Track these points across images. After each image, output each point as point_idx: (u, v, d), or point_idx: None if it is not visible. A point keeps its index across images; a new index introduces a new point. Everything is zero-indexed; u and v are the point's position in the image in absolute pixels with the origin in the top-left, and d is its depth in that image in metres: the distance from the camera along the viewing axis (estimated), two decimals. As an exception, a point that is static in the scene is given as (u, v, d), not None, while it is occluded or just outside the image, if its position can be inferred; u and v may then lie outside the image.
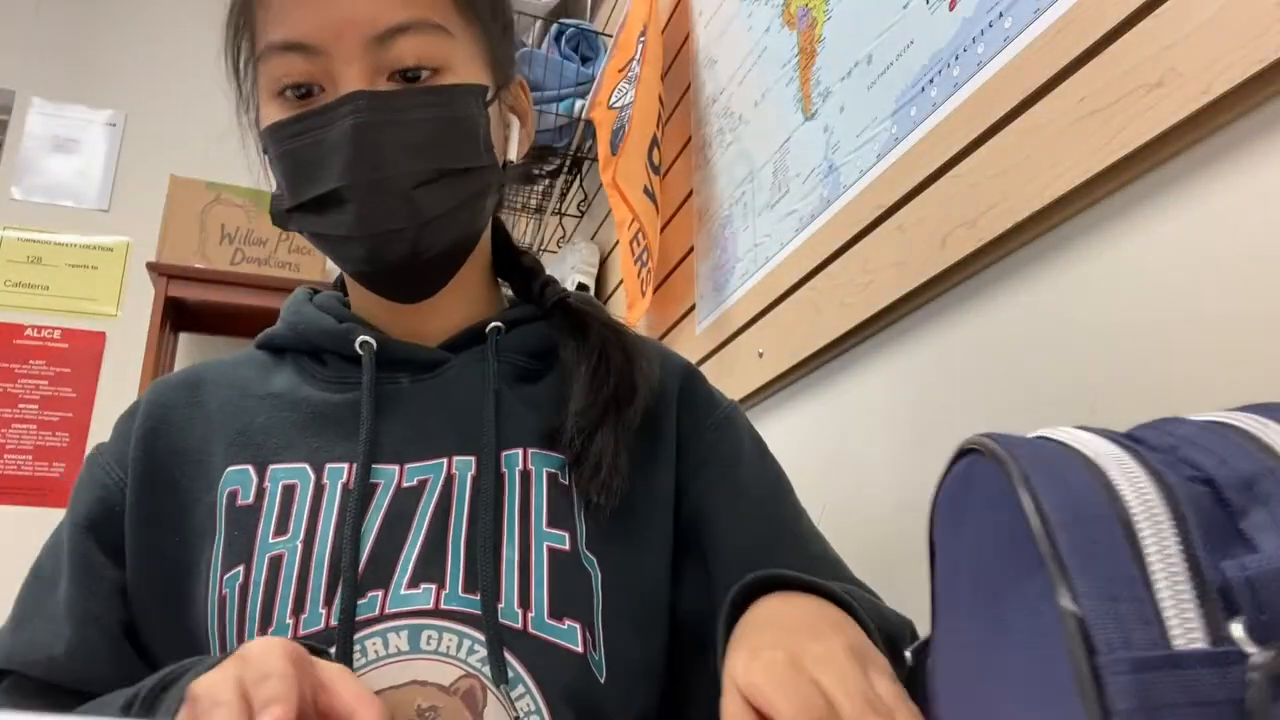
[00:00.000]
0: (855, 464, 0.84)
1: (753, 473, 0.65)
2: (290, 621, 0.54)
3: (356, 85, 0.57)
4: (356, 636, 0.53)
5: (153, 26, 2.75)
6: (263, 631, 0.54)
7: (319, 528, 0.57)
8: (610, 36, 1.62)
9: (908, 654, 0.43)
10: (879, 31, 0.81)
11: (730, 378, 1.07)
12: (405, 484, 0.59)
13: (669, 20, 1.42)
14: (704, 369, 1.15)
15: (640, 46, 1.34)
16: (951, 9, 0.71)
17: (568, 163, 1.83)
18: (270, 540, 0.57)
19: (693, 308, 1.20)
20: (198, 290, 2.31)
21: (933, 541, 0.41)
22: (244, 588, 0.55)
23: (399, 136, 0.57)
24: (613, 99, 1.41)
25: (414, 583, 0.55)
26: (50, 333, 2.65)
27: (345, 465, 0.59)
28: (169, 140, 2.62)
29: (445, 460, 0.59)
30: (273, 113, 0.59)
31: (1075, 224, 0.60)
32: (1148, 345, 0.54)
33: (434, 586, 0.55)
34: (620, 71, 1.42)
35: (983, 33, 0.67)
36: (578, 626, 0.55)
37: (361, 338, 0.63)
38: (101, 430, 2.60)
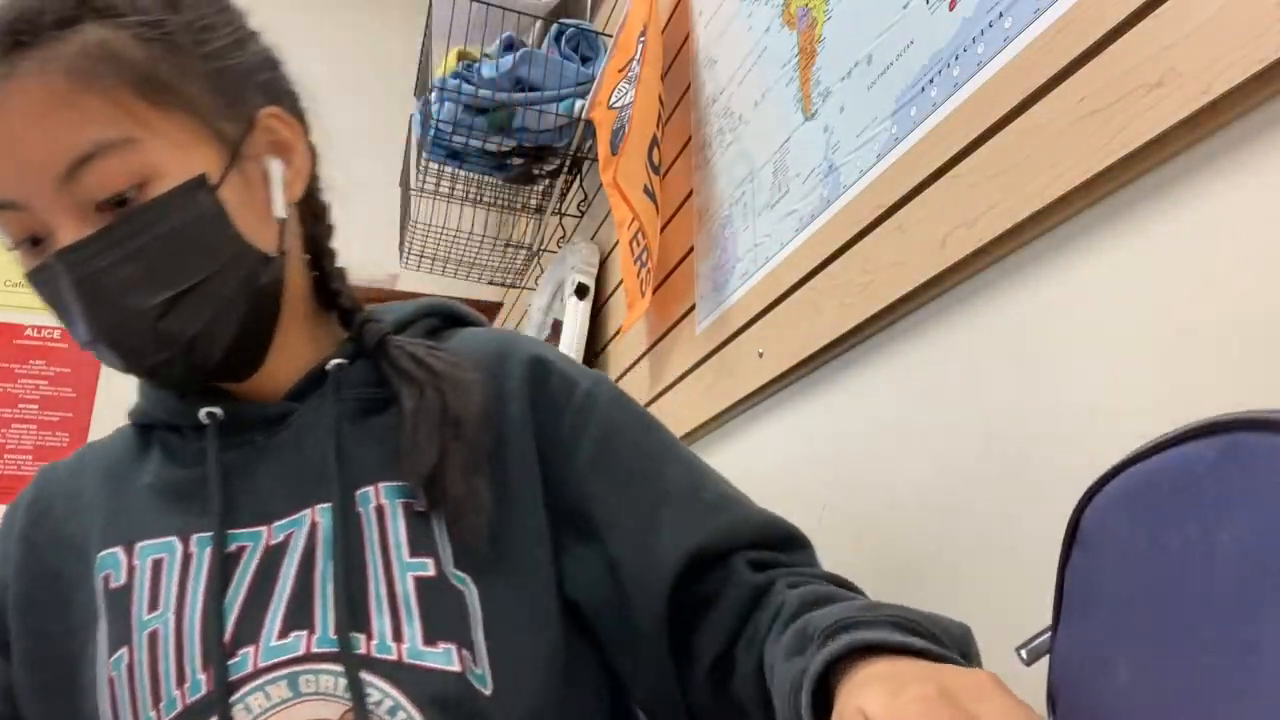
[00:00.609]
0: (855, 464, 0.84)
1: (627, 442, 0.64)
2: (177, 693, 0.55)
3: (65, 230, 0.54)
4: (238, 695, 0.54)
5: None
6: (155, 707, 0.55)
7: (188, 598, 0.57)
8: (610, 36, 1.62)
9: (1023, 653, 0.40)
10: (879, 31, 0.81)
11: (730, 378, 1.07)
12: (273, 542, 0.59)
13: (669, 20, 1.42)
14: (704, 369, 1.16)
15: (640, 46, 1.34)
16: (951, 9, 0.71)
17: (568, 163, 1.83)
18: (145, 617, 0.57)
19: (693, 308, 1.20)
20: None
21: (1075, 537, 0.37)
22: (130, 668, 0.56)
23: (120, 278, 0.54)
24: (613, 99, 1.41)
25: (284, 633, 0.56)
26: (50, 333, 2.65)
27: (212, 534, 0.59)
28: (169, 140, 2.61)
29: (308, 511, 0.60)
30: (20, 260, 0.58)
31: (1075, 224, 0.60)
32: (1147, 345, 0.54)
33: (304, 633, 0.55)
34: (620, 71, 1.42)
35: (983, 33, 0.67)
36: (453, 647, 0.56)
37: (205, 410, 0.62)
38: (101, 430, 2.60)
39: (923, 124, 0.74)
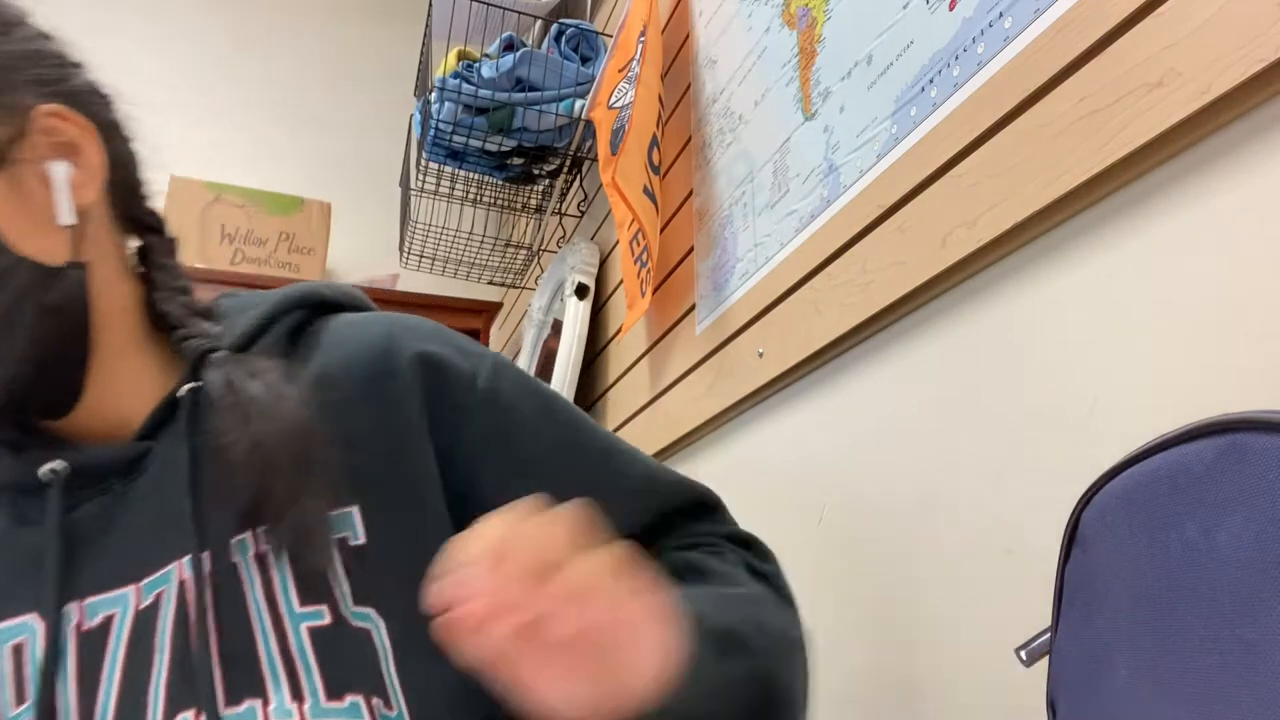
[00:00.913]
0: (855, 464, 0.84)
1: (532, 435, 0.59)
2: None
3: None
4: None
5: (152, 27, 2.75)
6: None
7: (57, 684, 0.52)
8: (610, 36, 1.62)
9: (1022, 654, 0.41)
10: (879, 31, 0.81)
11: (730, 378, 1.07)
12: (143, 605, 0.53)
13: (669, 20, 1.42)
14: (704, 369, 1.16)
15: (640, 46, 1.34)
16: (951, 9, 0.71)
17: (568, 163, 1.83)
18: (12, 713, 0.52)
19: (693, 308, 1.20)
20: (198, 290, 2.30)
21: (1074, 537, 0.38)
22: None
23: None
24: (613, 99, 1.41)
25: (170, 715, 0.50)
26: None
27: (75, 604, 0.53)
28: (169, 140, 2.62)
29: (174, 565, 0.54)
30: None
31: (1075, 224, 0.60)
32: (1147, 346, 0.54)
33: (192, 712, 0.50)
34: (620, 71, 1.42)
35: (983, 33, 0.67)
36: (360, 699, 0.51)
37: (46, 467, 0.55)
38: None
39: (923, 124, 0.74)
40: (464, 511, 0.57)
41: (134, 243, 0.63)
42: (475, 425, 0.59)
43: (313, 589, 0.53)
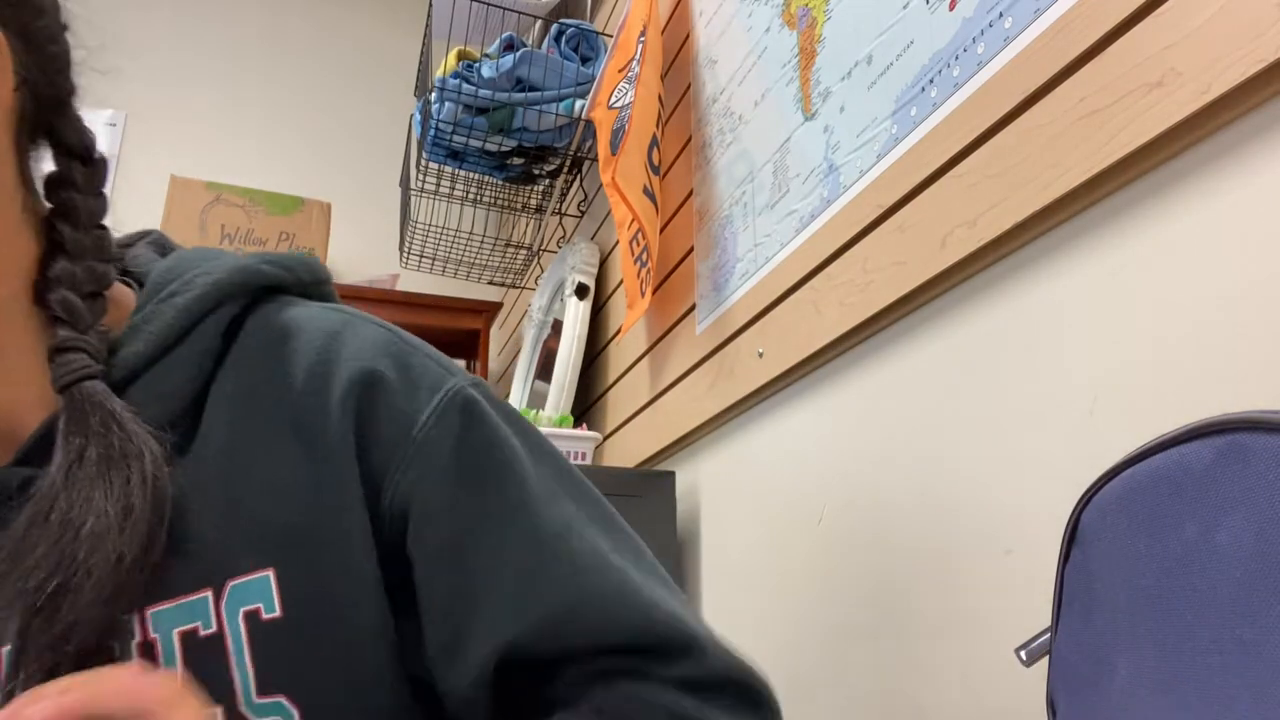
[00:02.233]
0: (855, 464, 0.84)
1: (461, 512, 0.47)
2: None
3: None
4: None
5: (153, 26, 2.76)
6: None
7: None
8: (610, 36, 1.62)
9: (1022, 654, 0.40)
10: (879, 31, 0.81)
11: (730, 378, 1.07)
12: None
13: (669, 20, 1.42)
14: (704, 369, 1.16)
15: (640, 46, 1.34)
16: (951, 9, 0.71)
17: (568, 163, 1.83)
18: None
19: (693, 308, 1.20)
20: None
21: (1074, 537, 0.37)
22: None
23: None
24: (613, 99, 1.41)
25: None
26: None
27: None
28: (169, 140, 2.62)
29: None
30: None
31: (1075, 224, 0.60)
32: (1147, 346, 0.54)
33: None
34: (620, 71, 1.42)
35: (983, 33, 0.67)
36: None
37: None
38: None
39: (923, 124, 0.74)
40: (394, 575, 0.47)
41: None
42: (400, 477, 0.47)
43: (209, 678, 0.43)
